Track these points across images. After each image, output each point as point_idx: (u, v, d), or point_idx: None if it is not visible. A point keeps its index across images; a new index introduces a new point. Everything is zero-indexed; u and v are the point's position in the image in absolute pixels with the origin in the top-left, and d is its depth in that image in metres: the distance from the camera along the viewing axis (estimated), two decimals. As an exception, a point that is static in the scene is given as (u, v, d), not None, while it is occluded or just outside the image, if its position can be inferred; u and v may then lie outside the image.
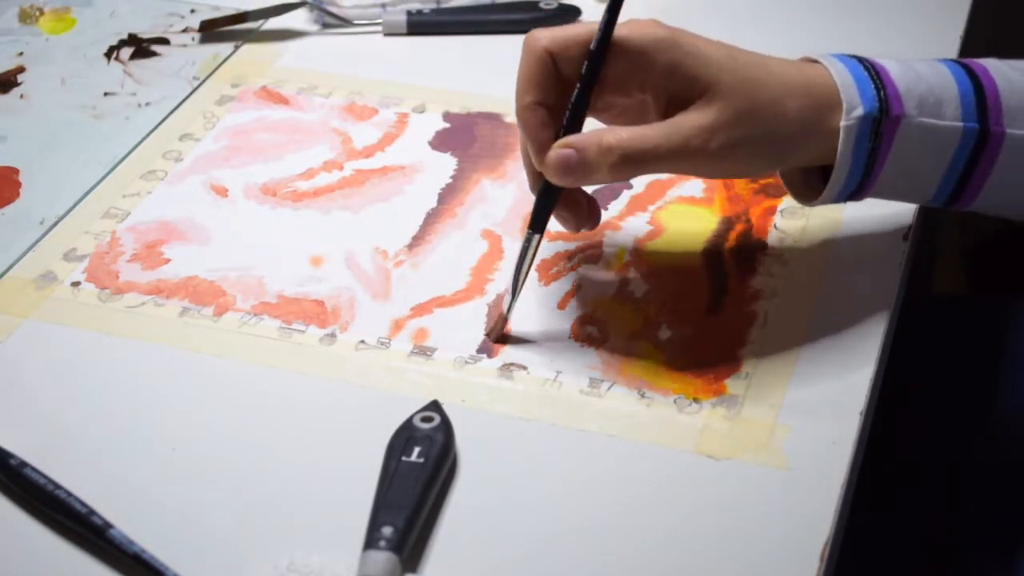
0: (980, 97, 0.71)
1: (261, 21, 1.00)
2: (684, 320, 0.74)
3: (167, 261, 0.80)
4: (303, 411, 0.70)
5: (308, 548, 0.62)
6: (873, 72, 0.71)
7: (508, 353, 0.72)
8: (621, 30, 0.69)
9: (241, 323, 0.75)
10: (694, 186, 0.83)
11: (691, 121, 0.68)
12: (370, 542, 0.61)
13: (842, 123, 0.69)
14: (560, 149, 0.69)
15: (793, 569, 0.61)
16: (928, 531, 0.89)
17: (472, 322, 0.74)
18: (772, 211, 0.81)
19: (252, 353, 0.73)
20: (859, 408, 0.69)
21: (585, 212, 0.73)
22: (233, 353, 0.73)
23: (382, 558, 0.60)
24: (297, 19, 1.00)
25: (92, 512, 0.63)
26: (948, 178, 0.72)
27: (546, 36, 0.70)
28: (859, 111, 0.70)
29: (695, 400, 0.69)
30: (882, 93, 0.70)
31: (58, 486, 0.65)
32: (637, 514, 0.64)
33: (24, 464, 0.66)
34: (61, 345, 0.74)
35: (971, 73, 0.72)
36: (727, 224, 0.80)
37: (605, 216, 0.81)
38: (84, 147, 0.89)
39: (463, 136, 0.88)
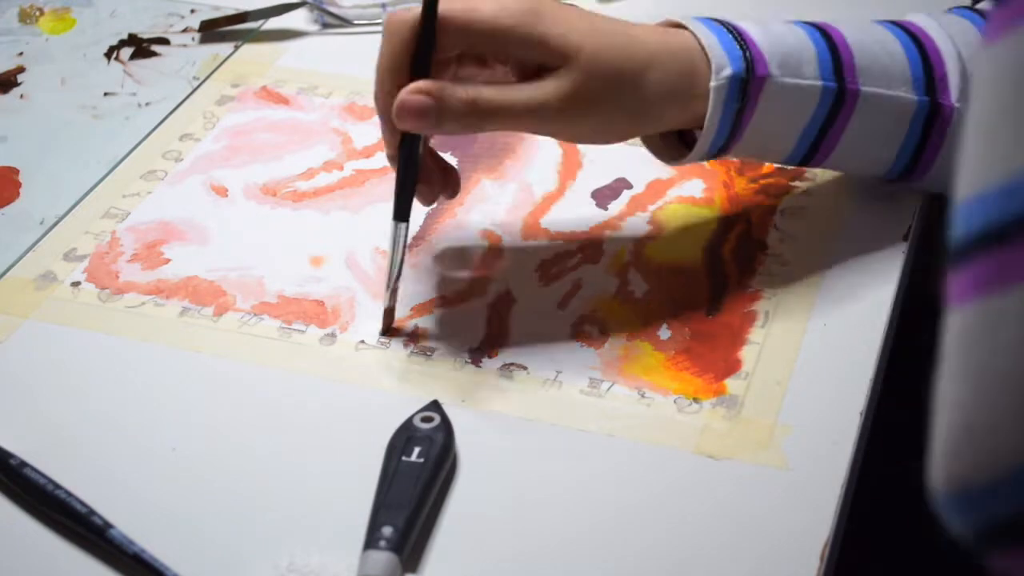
0: (835, 56, 0.73)
1: (261, 21, 0.99)
2: (684, 320, 0.74)
3: (167, 261, 0.80)
4: (303, 411, 0.70)
5: (308, 548, 0.62)
6: (736, 34, 0.73)
7: (508, 353, 0.72)
8: (484, 6, 0.69)
9: (241, 323, 0.75)
10: (694, 186, 0.83)
11: (550, 85, 0.69)
12: (370, 542, 0.61)
13: (712, 84, 0.71)
14: (415, 94, 0.68)
15: (793, 569, 0.61)
16: (928, 531, 0.89)
17: (472, 322, 0.74)
18: (772, 211, 0.81)
19: (252, 353, 0.73)
20: (859, 408, 0.69)
21: (440, 181, 0.74)
22: (233, 353, 0.73)
23: (382, 558, 0.60)
24: (297, 19, 1.00)
25: (92, 512, 0.63)
26: (805, 135, 0.75)
27: (409, 18, 0.69)
28: (727, 71, 0.71)
29: (695, 400, 0.69)
30: (747, 54, 0.72)
31: (58, 486, 0.65)
32: (637, 514, 0.64)
33: (24, 464, 0.66)
34: (61, 345, 0.74)
35: (825, 34, 0.74)
36: (727, 224, 0.80)
37: (605, 216, 0.81)
38: (84, 147, 0.89)
39: (463, 136, 0.88)
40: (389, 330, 0.74)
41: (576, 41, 0.69)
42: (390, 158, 0.73)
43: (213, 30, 0.99)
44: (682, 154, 0.75)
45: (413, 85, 0.68)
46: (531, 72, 0.70)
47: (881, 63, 0.74)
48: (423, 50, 0.69)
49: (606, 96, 0.70)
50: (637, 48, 0.71)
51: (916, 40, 0.76)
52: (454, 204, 0.83)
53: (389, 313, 0.74)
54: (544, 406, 0.69)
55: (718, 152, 0.74)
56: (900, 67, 0.75)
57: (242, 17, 0.99)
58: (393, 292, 0.73)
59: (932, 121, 0.75)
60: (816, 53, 0.73)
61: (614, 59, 0.70)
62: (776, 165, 0.83)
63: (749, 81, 0.71)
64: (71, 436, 0.69)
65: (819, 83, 0.73)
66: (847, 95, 0.73)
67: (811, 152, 0.76)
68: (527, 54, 0.70)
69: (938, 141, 0.75)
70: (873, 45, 0.75)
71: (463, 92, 0.68)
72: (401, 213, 0.72)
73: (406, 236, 0.73)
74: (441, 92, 0.68)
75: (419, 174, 0.72)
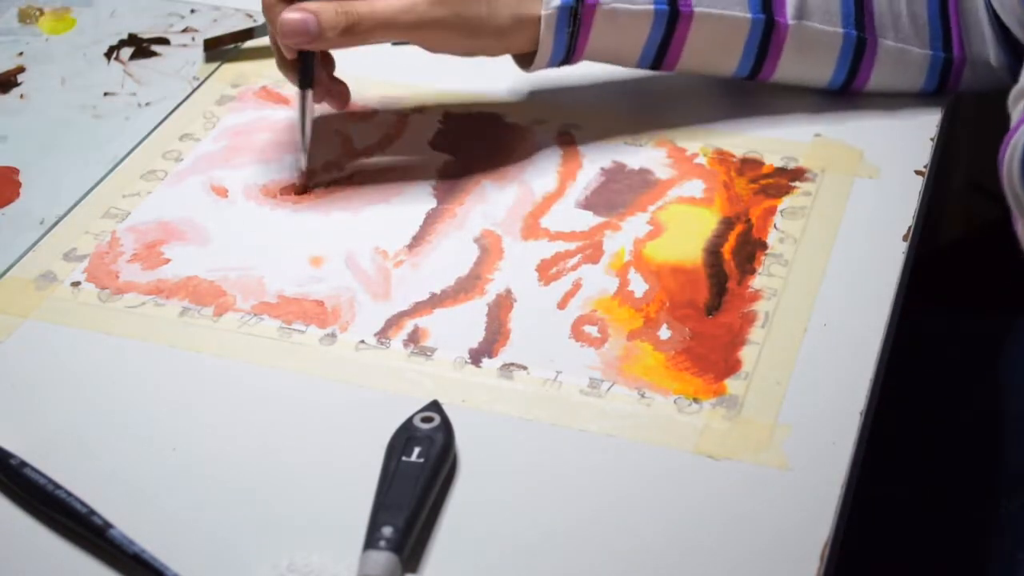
0: None
1: (267, 37, 0.97)
2: (684, 320, 0.74)
3: (167, 261, 0.80)
4: (303, 411, 0.70)
5: (308, 548, 0.62)
6: None
7: (508, 353, 0.72)
8: None
9: (241, 323, 0.75)
10: (694, 186, 0.83)
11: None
12: (370, 542, 0.61)
13: (543, 12, 0.82)
14: (297, 12, 0.79)
15: (793, 569, 0.61)
16: (928, 531, 0.89)
17: (472, 322, 0.74)
18: (772, 211, 0.81)
19: (252, 353, 0.73)
20: (859, 408, 0.69)
21: (330, 89, 0.85)
22: (233, 353, 0.73)
23: (382, 558, 0.60)
24: None
25: (92, 512, 0.63)
26: (646, 53, 0.86)
27: None
28: (557, 1, 0.81)
29: (695, 400, 0.69)
30: None
31: (58, 486, 0.65)
32: (637, 514, 0.64)
33: (24, 464, 0.66)
34: (61, 345, 0.74)
35: None
36: (727, 224, 0.80)
37: (605, 216, 0.81)
38: (84, 147, 0.89)
39: (463, 136, 0.88)
40: (305, 190, 0.84)
41: None
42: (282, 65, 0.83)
43: (218, 48, 0.97)
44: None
45: (297, 5, 0.79)
46: None
47: None
48: None
49: (446, 11, 0.80)
50: None
51: None
52: (454, 204, 0.83)
53: (302, 176, 0.84)
54: (544, 406, 0.69)
55: (561, 64, 0.85)
56: None
57: (248, 34, 0.97)
58: (306, 153, 0.84)
59: (769, 35, 0.85)
60: None
61: None
62: (773, 166, 0.83)
63: (579, 9, 0.82)
64: (71, 436, 0.69)
65: (651, 7, 0.83)
66: (681, 17, 0.83)
67: (656, 63, 0.86)
68: None
69: (776, 52, 0.85)
70: None
71: (338, 8, 0.79)
72: (306, 81, 0.83)
73: (311, 102, 0.84)
74: (318, 10, 0.78)
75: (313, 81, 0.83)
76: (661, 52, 0.85)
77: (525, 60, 0.86)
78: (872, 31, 0.85)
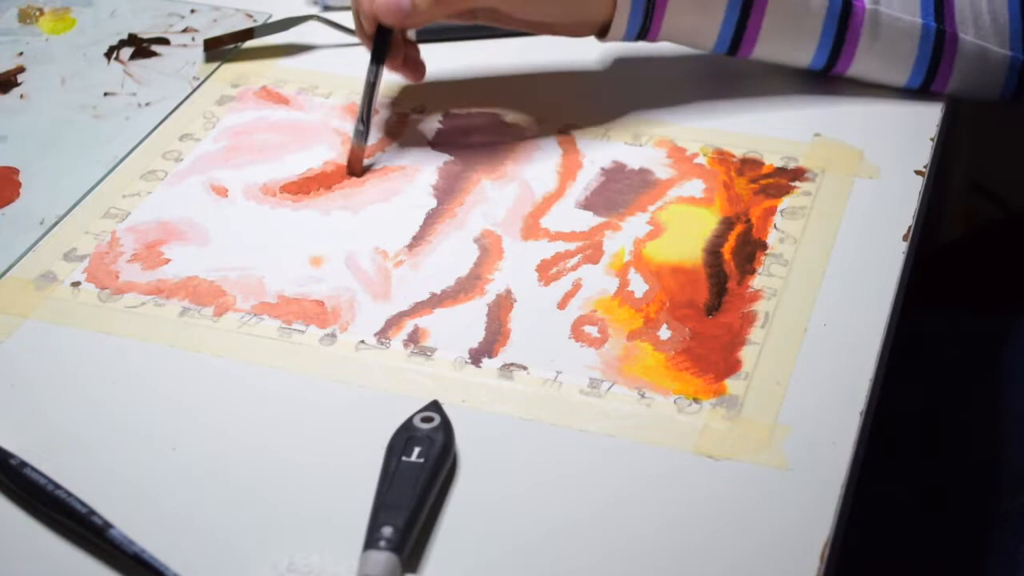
0: None
1: (267, 38, 0.98)
2: (684, 320, 0.74)
3: (167, 261, 0.80)
4: (303, 411, 0.70)
5: (308, 548, 0.62)
6: None
7: (508, 353, 0.72)
8: None
9: (241, 323, 0.75)
10: (694, 186, 0.83)
11: None
12: (370, 542, 0.61)
13: None
14: None
15: (793, 569, 0.61)
16: (928, 531, 0.89)
17: (472, 322, 0.74)
18: (772, 211, 0.81)
19: (252, 353, 0.73)
20: (859, 408, 0.69)
21: (401, 62, 0.86)
22: (233, 353, 0.73)
23: (382, 558, 0.60)
24: (306, 33, 0.98)
25: (92, 512, 0.63)
26: (724, 32, 0.86)
27: None
28: None
29: (695, 400, 0.69)
30: None
31: (58, 486, 0.65)
32: (637, 514, 0.64)
33: (24, 464, 0.66)
34: (61, 345, 0.74)
35: None
36: (727, 224, 0.80)
37: (605, 216, 0.81)
38: (84, 147, 0.89)
39: (463, 136, 0.88)
40: (359, 170, 0.85)
41: None
42: (361, 26, 0.85)
43: (218, 48, 0.97)
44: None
45: None
46: None
47: None
48: None
49: None
50: None
51: None
52: (454, 204, 0.83)
53: (359, 151, 0.85)
54: (544, 406, 0.69)
55: (637, 37, 0.86)
56: None
57: (248, 34, 0.97)
58: (369, 128, 0.85)
59: (846, 19, 0.85)
60: None
61: None
62: (773, 166, 0.83)
63: None
64: (71, 436, 0.69)
65: None
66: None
67: (733, 47, 0.87)
68: None
69: (854, 37, 0.86)
70: None
71: None
72: (377, 58, 0.84)
73: (379, 77, 0.85)
74: None
75: (392, 51, 0.85)
76: (738, 35, 0.85)
77: (602, 32, 0.87)
78: (952, 24, 0.85)
